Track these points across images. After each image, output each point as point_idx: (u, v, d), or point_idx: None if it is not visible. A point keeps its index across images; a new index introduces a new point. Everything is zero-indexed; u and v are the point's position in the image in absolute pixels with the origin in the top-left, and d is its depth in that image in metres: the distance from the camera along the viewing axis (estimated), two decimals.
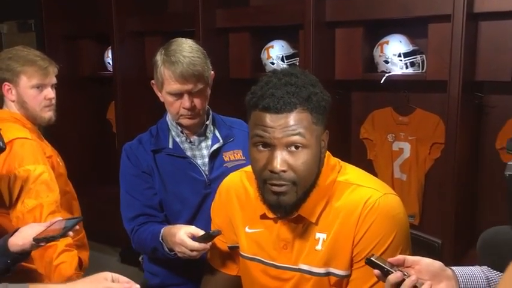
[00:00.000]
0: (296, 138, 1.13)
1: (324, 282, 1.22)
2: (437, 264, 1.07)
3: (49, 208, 1.72)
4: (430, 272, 1.05)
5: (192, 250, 1.41)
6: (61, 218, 1.51)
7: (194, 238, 1.42)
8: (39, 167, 1.78)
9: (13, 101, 1.92)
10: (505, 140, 2.55)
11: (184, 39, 1.67)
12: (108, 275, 1.07)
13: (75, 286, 1.04)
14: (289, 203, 1.18)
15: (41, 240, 1.36)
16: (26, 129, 1.89)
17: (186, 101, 1.59)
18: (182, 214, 1.67)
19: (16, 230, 1.45)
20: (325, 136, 1.22)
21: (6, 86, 1.91)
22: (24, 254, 1.43)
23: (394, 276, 1.02)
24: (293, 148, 1.14)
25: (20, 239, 1.39)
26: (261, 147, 1.17)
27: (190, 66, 1.56)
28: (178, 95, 1.60)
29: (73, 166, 2.16)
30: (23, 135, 1.84)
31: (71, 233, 1.41)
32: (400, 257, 1.07)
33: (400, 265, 1.06)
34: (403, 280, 1.02)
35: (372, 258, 1.06)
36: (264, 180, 1.18)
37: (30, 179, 1.74)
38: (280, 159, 1.14)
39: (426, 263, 1.06)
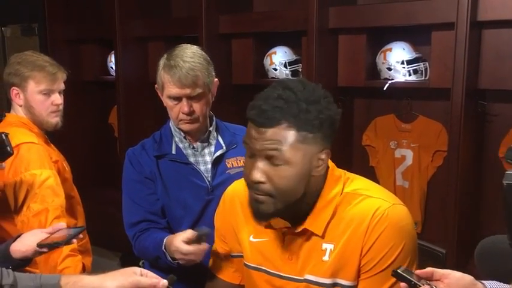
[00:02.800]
0: (274, 153, 1.13)
1: None
2: (468, 278, 1.04)
3: (54, 213, 1.72)
4: (460, 286, 1.02)
5: (188, 254, 1.41)
6: (64, 225, 1.50)
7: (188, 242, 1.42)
8: (45, 172, 1.77)
9: (20, 106, 1.93)
10: None
11: (189, 45, 1.68)
12: (136, 269, 1.08)
13: (105, 278, 1.04)
14: (268, 212, 1.18)
15: (44, 246, 1.35)
16: (32, 134, 1.89)
17: (184, 106, 1.60)
18: (184, 220, 1.66)
19: (18, 236, 1.44)
20: (324, 155, 1.18)
21: (15, 90, 1.92)
22: (26, 261, 1.42)
23: None
24: (273, 161, 1.14)
25: (23, 246, 1.38)
26: (248, 155, 1.19)
27: (189, 71, 1.57)
28: (178, 99, 1.61)
29: (74, 170, 2.16)
30: (30, 139, 1.83)
31: (74, 241, 1.40)
32: (428, 269, 1.05)
33: (428, 278, 1.04)
34: None
35: (398, 271, 1.04)
36: (248, 186, 1.20)
37: (36, 184, 1.74)
38: (260, 170, 1.15)
39: (456, 278, 1.03)
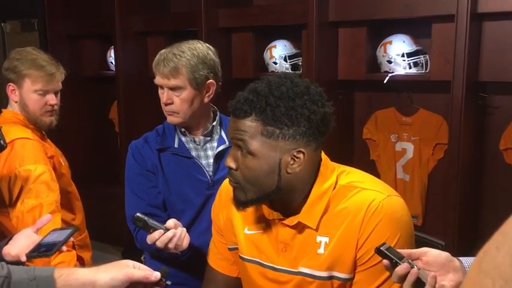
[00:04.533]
0: (240, 143, 1.16)
1: (327, 285, 1.21)
2: (444, 255, 1.06)
3: (49, 208, 1.72)
4: (437, 263, 1.04)
5: (156, 242, 1.43)
6: (50, 217, 1.51)
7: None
8: (39, 167, 1.78)
9: (16, 102, 1.93)
10: (509, 141, 2.54)
11: (196, 41, 1.70)
12: (129, 262, 1.08)
13: (98, 270, 1.04)
14: (241, 200, 1.21)
15: (34, 257, 1.34)
16: (28, 130, 1.89)
17: (163, 95, 1.63)
18: (185, 214, 1.66)
19: (11, 238, 1.43)
20: (301, 154, 1.15)
21: (11, 86, 1.92)
22: (19, 263, 1.41)
23: (401, 268, 1.02)
24: (242, 152, 1.17)
25: (14, 249, 1.37)
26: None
27: (169, 62, 1.59)
28: (162, 88, 1.64)
29: (75, 166, 2.16)
30: (24, 135, 1.84)
31: (64, 248, 1.39)
32: (404, 251, 1.07)
33: (408, 257, 1.05)
34: None
35: (381, 248, 1.06)
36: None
37: (30, 179, 1.74)
38: (232, 157, 1.19)
39: (433, 255, 1.05)
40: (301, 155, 1.16)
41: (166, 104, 1.63)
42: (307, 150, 1.16)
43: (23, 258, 1.34)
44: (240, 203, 1.22)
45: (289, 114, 1.13)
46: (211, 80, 1.66)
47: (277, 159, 1.15)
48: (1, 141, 1.52)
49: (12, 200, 1.76)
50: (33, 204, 1.72)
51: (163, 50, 1.64)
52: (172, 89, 1.62)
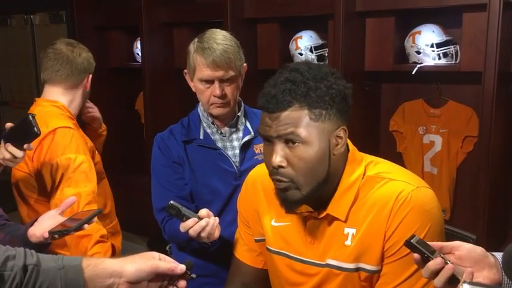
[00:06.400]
0: (290, 136, 1.14)
1: (354, 277, 1.20)
2: (479, 250, 1.01)
3: (86, 198, 1.74)
4: (471, 258, 0.99)
5: (188, 230, 1.41)
6: (75, 199, 1.53)
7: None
8: (79, 157, 1.80)
9: (86, 90, 2.01)
10: None
11: (218, 29, 1.68)
12: (155, 254, 1.09)
13: (126, 261, 1.05)
14: (294, 199, 1.18)
15: (55, 233, 1.36)
16: (68, 119, 1.91)
17: (216, 89, 1.59)
18: (213, 205, 1.66)
19: (36, 220, 1.46)
20: (342, 132, 1.17)
21: (89, 77, 2.00)
22: (43, 245, 1.43)
23: (434, 263, 0.97)
24: (291, 144, 1.15)
25: (39, 230, 1.40)
26: (266, 142, 1.19)
27: (223, 53, 1.57)
28: (210, 82, 1.60)
29: (102, 156, 2.18)
30: (66, 124, 1.86)
31: (86, 226, 1.40)
32: (436, 244, 1.01)
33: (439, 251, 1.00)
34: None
35: (411, 241, 0.99)
36: (270, 174, 1.20)
37: (70, 168, 1.77)
38: (279, 154, 1.15)
39: (467, 249, 1.00)
40: (342, 133, 1.17)
41: (220, 97, 1.61)
42: (344, 129, 1.19)
43: (46, 235, 1.36)
44: (294, 203, 1.19)
45: (329, 92, 1.14)
46: (245, 64, 1.68)
47: (326, 142, 1.16)
48: (35, 128, 1.53)
49: (53, 187, 1.79)
50: (72, 193, 1.73)
51: (204, 44, 1.59)
52: (223, 80, 1.60)
